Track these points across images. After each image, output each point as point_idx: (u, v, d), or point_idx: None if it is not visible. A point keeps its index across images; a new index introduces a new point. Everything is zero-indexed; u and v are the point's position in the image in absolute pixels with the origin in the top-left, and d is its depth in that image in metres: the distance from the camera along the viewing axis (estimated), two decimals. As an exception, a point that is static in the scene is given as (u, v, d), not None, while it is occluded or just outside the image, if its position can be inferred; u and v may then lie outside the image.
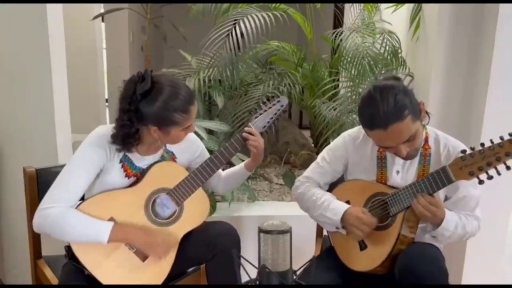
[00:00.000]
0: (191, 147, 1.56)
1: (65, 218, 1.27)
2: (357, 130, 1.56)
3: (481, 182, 1.25)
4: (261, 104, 1.52)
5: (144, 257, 1.39)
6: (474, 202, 1.41)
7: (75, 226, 1.28)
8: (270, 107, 1.51)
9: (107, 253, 1.34)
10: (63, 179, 1.32)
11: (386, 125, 1.26)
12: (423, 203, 1.30)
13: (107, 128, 1.38)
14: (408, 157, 1.38)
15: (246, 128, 1.47)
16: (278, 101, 1.52)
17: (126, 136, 1.33)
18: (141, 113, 1.31)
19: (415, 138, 1.32)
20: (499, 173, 1.21)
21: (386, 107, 1.25)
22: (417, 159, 1.43)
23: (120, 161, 1.38)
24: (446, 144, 1.42)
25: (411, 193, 1.34)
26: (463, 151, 1.26)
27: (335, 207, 1.45)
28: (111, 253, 1.35)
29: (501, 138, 1.20)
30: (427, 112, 1.37)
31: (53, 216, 1.27)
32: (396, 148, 1.32)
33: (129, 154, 1.40)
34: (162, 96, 1.31)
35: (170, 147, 1.50)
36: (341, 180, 1.61)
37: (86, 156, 1.34)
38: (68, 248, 1.37)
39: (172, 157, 1.51)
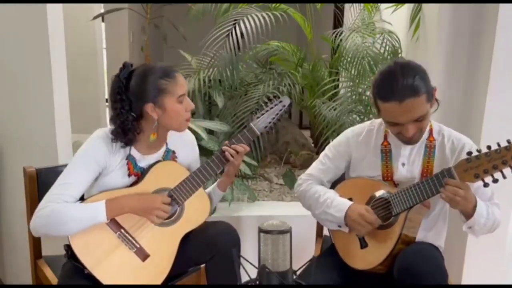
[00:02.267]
0: (193, 146, 1.58)
1: (60, 212, 1.27)
2: (360, 127, 1.56)
3: (486, 184, 1.25)
4: (262, 104, 1.52)
5: (144, 257, 1.39)
6: (490, 190, 1.38)
7: (72, 216, 1.27)
8: (272, 107, 1.50)
9: (107, 253, 1.34)
10: (61, 182, 1.32)
11: (402, 98, 1.26)
12: (451, 189, 1.26)
13: (105, 129, 1.38)
14: (412, 140, 1.37)
15: (233, 146, 1.44)
16: (280, 101, 1.51)
17: (124, 124, 1.33)
18: (130, 99, 1.34)
19: (424, 120, 1.32)
20: (504, 177, 1.22)
21: (405, 81, 1.27)
22: (422, 151, 1.43)
23: (126, 158, 1.39)
24: (450, 136, 1.44)
25: (414, 193, 1.34)
26: (469, 153, 1.26)
27: (339, 203, 1.45)
28: (111, 253, 1.35)
29: (508, 141, 1.21)
30: (436, 100, 1.37)
31: (47, 214, 1.27)
32: (404, 126, 1.32)
33: (133, 153, 1.40)
34: (143, 71, 1.35)
35: (171, 145, 1.50)
36: (342, 178, 1.61)
37: (86, 159, 1.34)
38: (68, 247, 1.37)
39: (172, 156, 1.50)
